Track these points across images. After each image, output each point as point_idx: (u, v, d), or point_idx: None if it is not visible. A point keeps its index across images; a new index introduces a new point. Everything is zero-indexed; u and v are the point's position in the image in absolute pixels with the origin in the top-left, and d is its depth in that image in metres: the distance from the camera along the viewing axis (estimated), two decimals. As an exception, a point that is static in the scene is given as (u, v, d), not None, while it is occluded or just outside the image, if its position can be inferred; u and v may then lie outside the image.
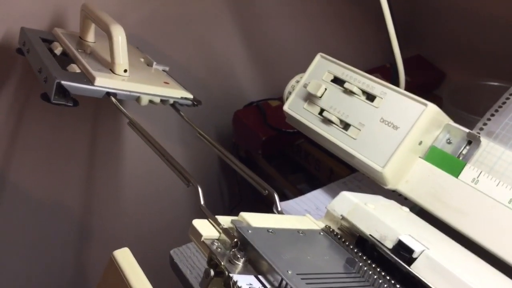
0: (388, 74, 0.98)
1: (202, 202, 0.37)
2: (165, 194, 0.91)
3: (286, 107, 0.55)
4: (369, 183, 0.56)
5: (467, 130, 0.45)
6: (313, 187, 0.88)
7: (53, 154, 0.76)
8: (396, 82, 0.56)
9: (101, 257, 0.89)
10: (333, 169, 0.78)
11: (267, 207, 0.93)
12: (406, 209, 0.43)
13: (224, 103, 0.88)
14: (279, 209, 0.40)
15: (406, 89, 0.48)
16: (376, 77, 0.93)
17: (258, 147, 0.80)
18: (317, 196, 0.53)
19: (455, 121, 0.47)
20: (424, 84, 1.00)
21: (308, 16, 0.92)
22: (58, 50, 0.58)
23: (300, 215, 0.40)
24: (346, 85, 0.50)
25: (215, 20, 0.81)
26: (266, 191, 0.42)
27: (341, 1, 0.95)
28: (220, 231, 0.34)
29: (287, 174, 0.88)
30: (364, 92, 0.49)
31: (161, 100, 0.55)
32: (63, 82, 0.48)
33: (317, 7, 0.92)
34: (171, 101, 0.57)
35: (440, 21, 1.02)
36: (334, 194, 0.54)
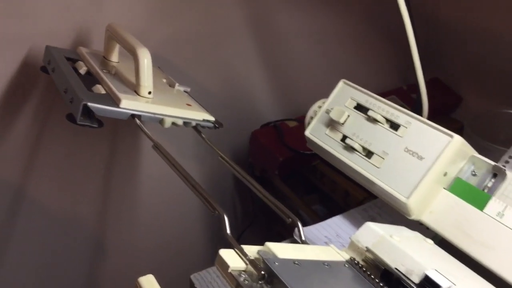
0: (405, 96, 0.98)
1: (228, 231, 0.37)
2: (183, 215, 0.92)
3: (307, 132, 0.55)
4: (390, 210, 0.56)
5: (493, 163, 0.44)
6: (328, 209, 0.88)
7: (71, 169, 0.76)
8: (419, 111, 0.56)
9: (113, 273, 0.89)
10: (349, 191, 0.78)
11: (282, 227, 0.92)
12: (431, 242, 0.42)
13: (241, 122, 0.88)
14: (303, 238, 0.40)
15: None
16: (392, 99, 0.93)
17: (275, 168, 0.80)
18: (337, 222, 0.53)
19: (476, 149, 0.47)
20: (441, 107, 1.00)
21: (325, 37, 0.92)
22: (82, 70, 0.58)
23: (324, 245, 0.40)
24: (370, 113, 0.50)
25: (234, 39, 0.82)
26: (290, 219, 0.42)
27: (360, 22, 0.95)
28: (247, 262, 0.33)
29: (302, 194, 0.88)
30: (387, 120, 0.49)
31: (184, 123, 0.56)
32: (89, 104, 0.48)
33: (335, 28, 0.92)
34: (194, 123, 0.57)
35: (459, 44, 1.02)
36: (354, 221, 0.54)
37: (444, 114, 1.03)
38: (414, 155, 0.45)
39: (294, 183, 0.87)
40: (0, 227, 0.75)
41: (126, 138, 0.79)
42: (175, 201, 0.89)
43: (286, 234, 0.91)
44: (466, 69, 1.02)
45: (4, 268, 0.78)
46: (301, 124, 0.86)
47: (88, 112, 0.49)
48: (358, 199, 0.74)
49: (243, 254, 0.34)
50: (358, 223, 0.53)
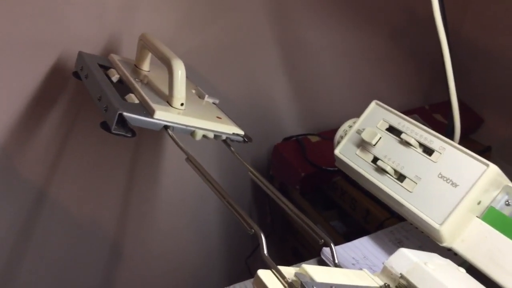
0: (427, 116, 0.98)
1: (265, 251, 0.37)
2: (203, 226, 0.92)
3: (337, 151, 0.55)
4: (417, 234, 0.56)
5: (528, 194, 0.44)
6: (347, 226, 0.88)
7: (94, 175, 0.77)
8: (450, 135, 0.56)
9: (129, 279, 0.89)
10: (370, 210, 0.78)
11: (298, 242, 0.92)
12: (463, 270, 0.42)
13: (263, 134, 0.89)
14: (337, 261, 0.40)
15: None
16: (414, 117, 0.93)
17: (297, 183, 0.80)
18: (364, 244, 0.53)
19: (507, 176, 0.47)
20: (461, 128, 0.99)
21: (350, 54, 0.92)
22: (115, 78, 0.58)
23: (357, 270, 0.40)
24: (403, 136, 0.49)
25: (261, 51, 0.82)
26: (322, 240, 0.42)
27: (386, 41, 0.95)
28: (286, 285, 0.33)
29: (320, 209, 0.88)
30: (421, 144, 0.49)
31: (215, 136, 0.56)
32: (124, 113, 0.48)
33: (361, 45, 0.92)
34: (224, 137, 0.57)
35: (481, 65, 1.01)
36: (381, 243, 0.54)
37: (465, 135, 1.03)
38: (448, 182, 0.45)
39: (313, 197, 0.87)
40: (21, 229, 0.75)
41: (149, 147, 0.79)
42: (196, 214, 0.89)
43: (301, 247, 0.91)
44: (487, 90, 1.02)
45: (23, 269, 0.78)
46: (324, 140, 0.86)
47: (122, 122, 0.49)
48: (380, 219, 0.74)
49: (281, 276, 0.34)
50: (385, 246, 0.53)
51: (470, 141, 1.01)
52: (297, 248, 0.93)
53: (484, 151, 0.93)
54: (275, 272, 0.35)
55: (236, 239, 0.96)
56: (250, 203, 0.98)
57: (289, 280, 0.34)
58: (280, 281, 0.34)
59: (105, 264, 0.86)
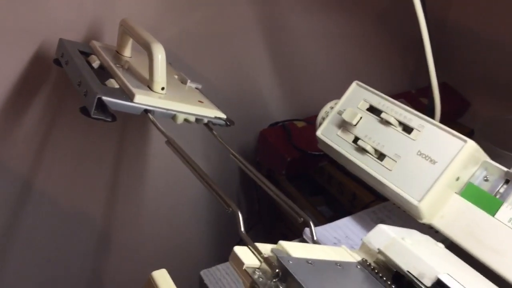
0: (413, 100, 0.98)
1: (242, 228, 0.37)
2: (191, 212, 0.92)
3: (319, 133, 0.55)
4: (399, 213, 0.56)
5: (505, 169, 0.45)
6: (334, 210, 0.88)
7: (80, 163, 0.77)
8: (431, 115, 0.56)
9: (119, 268, 0.90)
10: (356, 194, 0.78)
11: (286, 227, 0.92)
12: (441, 245, 0.43)
13: (249, 120, 0.89)
14: (315, 238, 0.40)
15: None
16: (401, 102, 0.93)
17: (282, 168, 0.80)
18: (346, 224, 0.53)
19: (487, 155, 0.47)
20: (448, 112, 1.00)
21: (336, 39, 0.92)
22: (95, 64, 0.58)
23: (336, 246, 0.40)
24: (383, 115, 0.50)
25: (245, 37, 0.82)
26: (302, 219, 0.42)
27: (371, 25, 0.95)
28: (261, 260, 0.34)
29: (307, 195, 0.88)
30: (400, 123, 0.49)
31: (196, 119, 0.56)
32: (104, 97, 0.48)
33: (346, 30, 0.92)
34: (205, 120, 0.57)
35: (467, 49, 1.02)
36: (364, 223, 0.55)
37: (452, 119, 1.03)
38: (427, 159, 0.45)
39: (300, 183, 0.87)
40: (7, 221, 0.75)
41: (134, 134, 0.79)
42: (183, 198, 0.89)
43: (290, 235, 0.92)
44: (474, 74, 1.02)
45: (9, 263, 0.78)
46: (310, 124, 0.86)
47: (102, 106, 0.49)
48: (365, 201, 0.74)
49: (257, 252, 0.34)
50: (367, 225, 0.53)
51: (457, 125, 1.02)
52: (287, 235, 0.94)
53: (470, 134, 0.93)
54: (252, 248, 0.35)
55: (226, 223, 0.97)
56: (238, 192, 0.99)
57: (265, 256, 0.34)
58: (256, 257, 0.34)
59: (94, 255, 0.86)
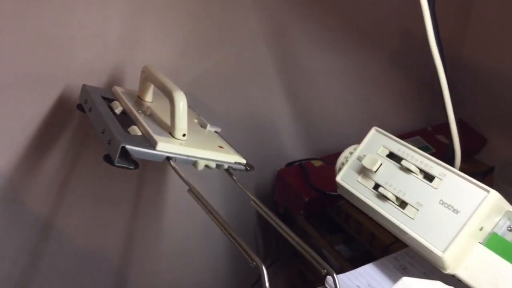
0: (429, 137, 0.98)
1: (267, 284, 0.37)
2: (207, 251, 0.91)
3: (338, 178, 0.55)
4: (421, 260, 0.56)
5: (530, 219, 0.44)
6: (353, 250, 0.87)
7: (98, 205, 0.77)
8: (451, 159, 0.56)
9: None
10: (375, 234, 0.77)
11: (305, 266, 0.91)
12: (467, 298, 0.42)
13: (266, 159, 0.89)
14: (339, 290, 0.40)
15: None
16: (417, 139, 0.92)
17: (301, 208, 0.80)
18: (369, 272, 0.53)
19: (508, 199, 0.47)
20: (465, 149, 0.99)
21: (351, 77, 0.93)
22: (118, 110, 0.60)
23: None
24: (403, 162, 0.50)
25: (262, 78, 0.83)
26: (325, 270, 0.42)
27: (386, 63, 0.96)
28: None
29: (325, 233, 0.88)
30: (421, 170, 0.49)
31: (217, 165, 0.56)
32: (127, 146, 0.49)
33: (361, 68, 0.93)
34: (226, 166, 0.57)
35: (482, 85, 1.02)
36: (386, 270, 0.54)
37: (468, 156, 1.03)
38: (450, 208, 0.45)
39: (318, 221, 0.87)
40: (27, 260, 0.75)
41: (153, 178, 0.80)
42: (203, 244, 0.89)
43: (309, 274, 0.91)
44: (489, 110, 1.02)
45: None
46: (326, 164, 0.86)
47: (125, 154, 0.50)
48: (385, 242, 0.74)
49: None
50: (390, 273, 0.53)
51: (474, 162, 1.01)
52: (304, 272, 0.93)
53: (488, 172, 0.92)
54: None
55: (242, 264, 0.96)
56: (255, 229, 0.98)
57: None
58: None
59: (111, 293, 0.86)
